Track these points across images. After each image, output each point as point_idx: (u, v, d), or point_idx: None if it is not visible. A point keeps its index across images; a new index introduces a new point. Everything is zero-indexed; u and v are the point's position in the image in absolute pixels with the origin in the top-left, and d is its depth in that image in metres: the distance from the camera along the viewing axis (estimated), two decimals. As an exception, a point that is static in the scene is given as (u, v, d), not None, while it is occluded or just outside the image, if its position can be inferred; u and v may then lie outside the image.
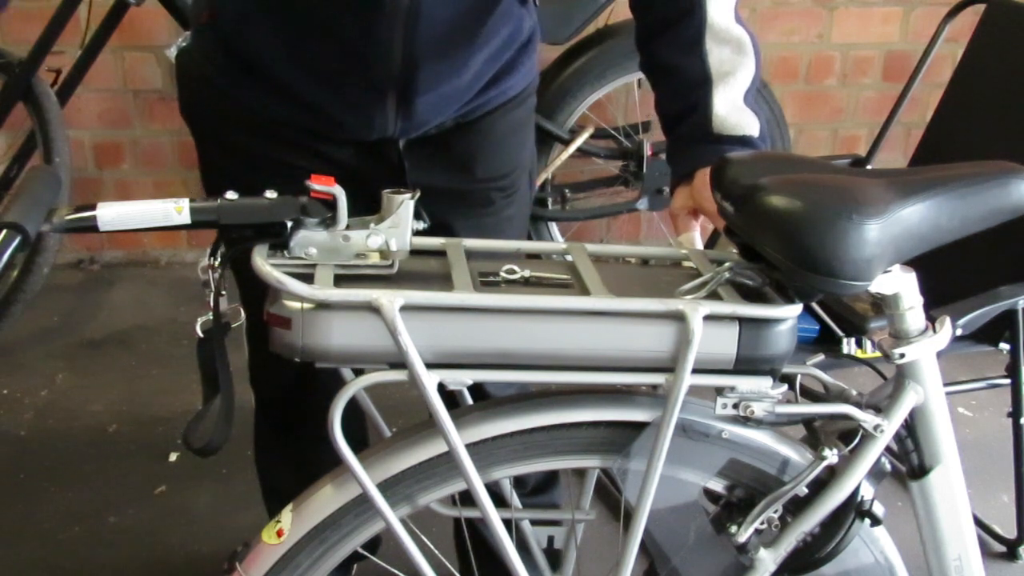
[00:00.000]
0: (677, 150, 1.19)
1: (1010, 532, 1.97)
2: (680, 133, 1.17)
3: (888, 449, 0.98)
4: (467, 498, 0.95)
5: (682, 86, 1.16)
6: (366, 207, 0.93)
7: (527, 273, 0.94)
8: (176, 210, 0.86)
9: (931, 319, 0.98)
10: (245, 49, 1.20)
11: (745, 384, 0.92)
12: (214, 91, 1.26)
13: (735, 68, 1.15)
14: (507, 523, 0.97)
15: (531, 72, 1.32)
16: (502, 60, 1.25)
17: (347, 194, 0.89)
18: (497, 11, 1.19)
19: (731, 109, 1.14)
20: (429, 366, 0.86)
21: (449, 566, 1.29)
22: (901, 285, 0.95)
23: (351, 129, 1.22)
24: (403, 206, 0.89)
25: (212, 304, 0.90)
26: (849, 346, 1.88)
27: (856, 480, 0.96)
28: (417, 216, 0.91)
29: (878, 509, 0.99)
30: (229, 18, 1.20)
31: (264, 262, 0.86)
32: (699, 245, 1.13)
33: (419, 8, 1.11)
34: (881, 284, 0.93)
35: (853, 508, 0.98)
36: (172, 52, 2.18)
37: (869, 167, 2.24)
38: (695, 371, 0.88)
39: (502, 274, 0.93)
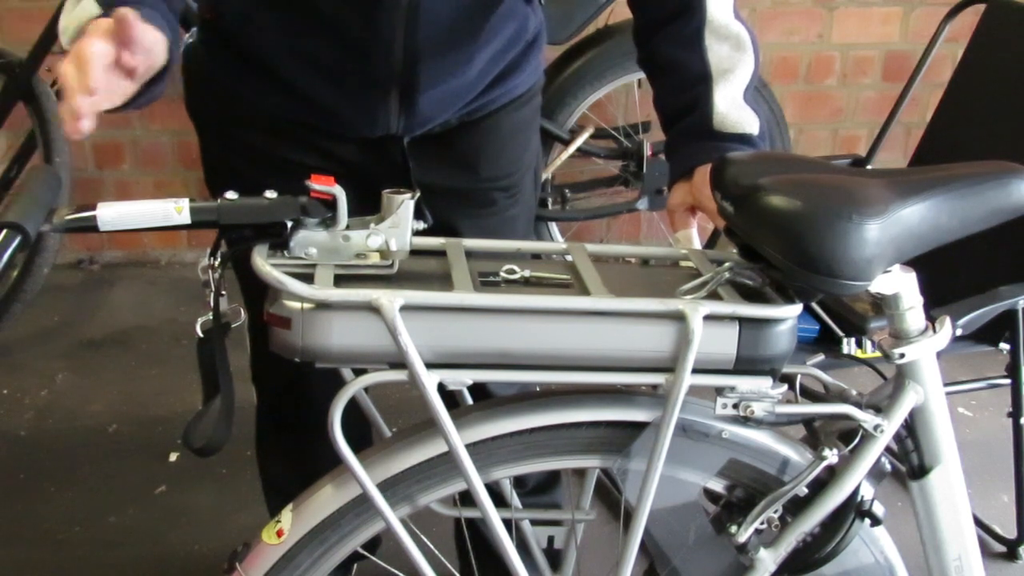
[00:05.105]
0: (677, 146, 1.18)
1: (1010, 532, 1.97)
2: (680, 129, 1.17)
3: (888, 449, 0.98)
4: (467, 498, 0.95)
5: (682, 82, 1.16)
6: (370, 205, 0.92)
7: (527, 273, 0.93)
8: (176, 210, 0.86)
9: (931, 319, 0.98)
10: (248, 45, 1.20)
11: (745, 384, 0.92)
12: (218, 87, 1.26)
13: (735, 65, 1.15)
14: (507, 523, 0.97)
15: (537, 71, 1.32)
16: (507, 59, 1.24)
17: (351, 192, 0.88)
18: (500, 8, 1.18)
19: (731, 106, 1.14)
20: (429, 366, 0.86)
21: (449, 566, 1.29)
22: (901, 285, 0.95)
23: (354, 126, 1.21)
24: (403, 206, 0.89)
25: (212, 304, 0.90)
26: (849, 346, 1.88)
27: (856, 480, 0.96)
28: (419, 215, 0.91)
29: (878, 509, 0.99)
30: (232, 14, 1.20)
31: (264, 262, 0.86)
32: (696, 242, 1.13)
33: (420, 4, 1.11)
34: (881, 284, 0.93)
35: (853, 508, 0.98)
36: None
37: (869, 167, 2.24)
38: (695, 371, 0.88)
39: (502, 274, 0.93)
